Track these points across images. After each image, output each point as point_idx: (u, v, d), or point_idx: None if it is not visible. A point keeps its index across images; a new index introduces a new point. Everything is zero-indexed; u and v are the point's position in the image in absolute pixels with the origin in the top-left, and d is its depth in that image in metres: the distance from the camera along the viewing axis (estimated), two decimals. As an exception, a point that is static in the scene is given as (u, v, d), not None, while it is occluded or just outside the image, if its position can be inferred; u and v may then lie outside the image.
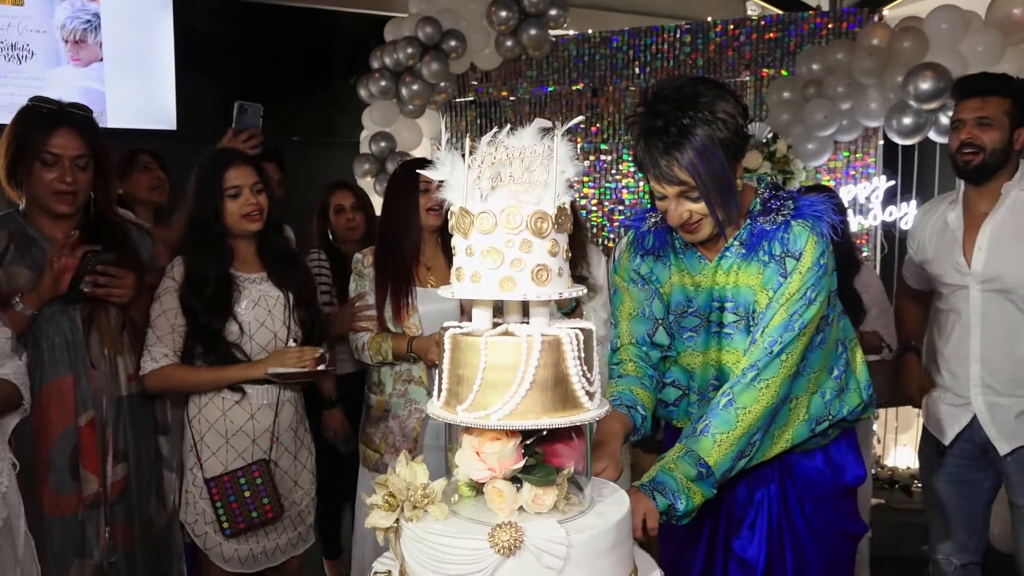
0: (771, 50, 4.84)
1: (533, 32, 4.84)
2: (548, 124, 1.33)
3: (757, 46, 4.86)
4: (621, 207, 5.24)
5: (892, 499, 4.41)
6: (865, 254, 4.53)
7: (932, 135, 4.16)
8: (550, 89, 5.27)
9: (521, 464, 1.32)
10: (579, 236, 2.90)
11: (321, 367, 2.44)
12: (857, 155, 4.70)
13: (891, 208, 4.62)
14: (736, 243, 1.81)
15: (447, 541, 1.29)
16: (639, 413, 1.84)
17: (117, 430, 2.35)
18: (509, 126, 1.34)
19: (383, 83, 4.91)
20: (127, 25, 5.32)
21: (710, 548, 1.95)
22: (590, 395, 1.33)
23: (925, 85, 3.91)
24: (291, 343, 2.51)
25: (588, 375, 1.33)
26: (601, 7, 6.18)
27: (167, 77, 5.42)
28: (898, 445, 4.75)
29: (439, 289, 1.40)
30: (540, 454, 1.36)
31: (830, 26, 4.73)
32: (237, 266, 2.51)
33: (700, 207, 1.72)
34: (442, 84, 4.96)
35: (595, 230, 5.24)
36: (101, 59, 5.28)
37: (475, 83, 5.33)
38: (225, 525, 2.41)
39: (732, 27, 4.92)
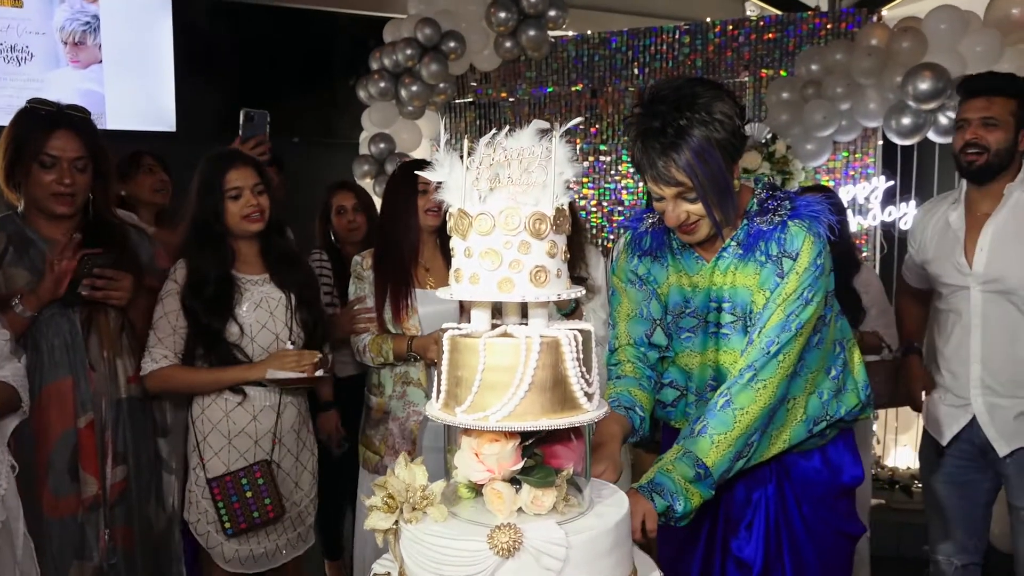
0: (770, 51, 4.84)
1: (532, 33, 4.83)
2: (546, 125, 1.33)
3: (756, 47, 4.87)
4: (620, 208, 5.24)
5: (892, 499, 4.41)
6: (865, 254, 4.54)
7: (931, 135, 4.16)
8: (549, 90, 5.27)
9: (520, 465, 1.32)
10: (578, 237, 2.89)
11: (319, 372, 2.44)
12: (856, 155, 4.70)
13: (890, 208, 4.62)
14: (733, 243, 1.81)
15: (446, 543, 1.29)
16: (637, 414, 1.84)
17: (116, 432, 2.35)
18: (508, 127, 1.34)
19: (382, 84, 4.91)
20: (126, 26, 5.31)
21: (708, 549, 1.95)
22: (589, 396, 1.33)
23: (924, 85, 3.91)
24: (290, 345, 2.51)
25: (587, 376, 1.33)
26: (600, 8, 6.17)
27: (166, 79, 5.40)
28: (898, 445, 4.75)
29: (438, 291, 1.40)
30: (539, 455, 1.36)
31: (829, 26, 4.73)
32: (239, 267, 2.51)
33: (697, 208, 1.72)
34: (441, 85, 4.95)
35: (594, 231, 5.24)
36: (100, 61, 5.27)
37: (474, 84, 5.33)
38: (227, 525, 2.42)
39: (731, 28, 4.93)
